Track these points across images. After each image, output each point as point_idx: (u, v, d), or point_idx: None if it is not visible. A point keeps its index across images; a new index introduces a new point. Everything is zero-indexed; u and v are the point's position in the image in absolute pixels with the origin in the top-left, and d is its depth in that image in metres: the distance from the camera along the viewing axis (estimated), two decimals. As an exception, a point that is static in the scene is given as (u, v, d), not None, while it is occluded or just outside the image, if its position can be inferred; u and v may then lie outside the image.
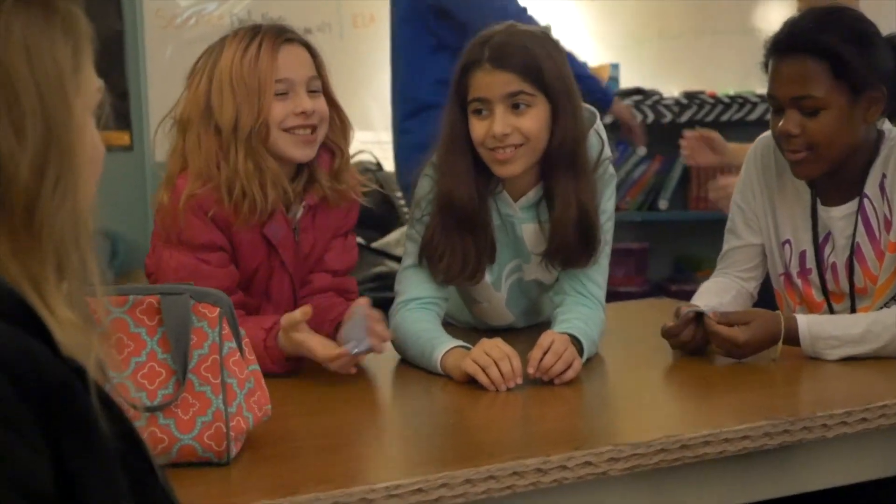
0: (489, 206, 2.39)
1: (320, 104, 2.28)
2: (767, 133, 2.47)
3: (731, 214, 2.57)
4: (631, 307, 2.95)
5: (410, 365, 2.31)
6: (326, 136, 2.32)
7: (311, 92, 2.27)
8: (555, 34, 4.81)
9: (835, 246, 2.40)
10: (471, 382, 2.11)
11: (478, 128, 2.29)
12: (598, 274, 2.43)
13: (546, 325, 2.44)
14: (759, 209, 2.50)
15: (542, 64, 2.30)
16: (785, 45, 2.30)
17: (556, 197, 2.35)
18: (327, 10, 5.13)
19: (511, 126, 2.26)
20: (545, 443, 1.77)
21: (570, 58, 2.71)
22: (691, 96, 4.77)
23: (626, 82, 4.92)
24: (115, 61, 5.08)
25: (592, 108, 2.49)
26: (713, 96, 4.78)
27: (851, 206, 2.37)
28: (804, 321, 2.21)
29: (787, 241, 2.46)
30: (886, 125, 2.38)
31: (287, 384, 2.13)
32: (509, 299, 2.54)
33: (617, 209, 4.67)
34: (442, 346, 2.22)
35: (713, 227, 2.60)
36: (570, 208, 2.33)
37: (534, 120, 2.29)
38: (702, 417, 1.94)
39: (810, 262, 2.43)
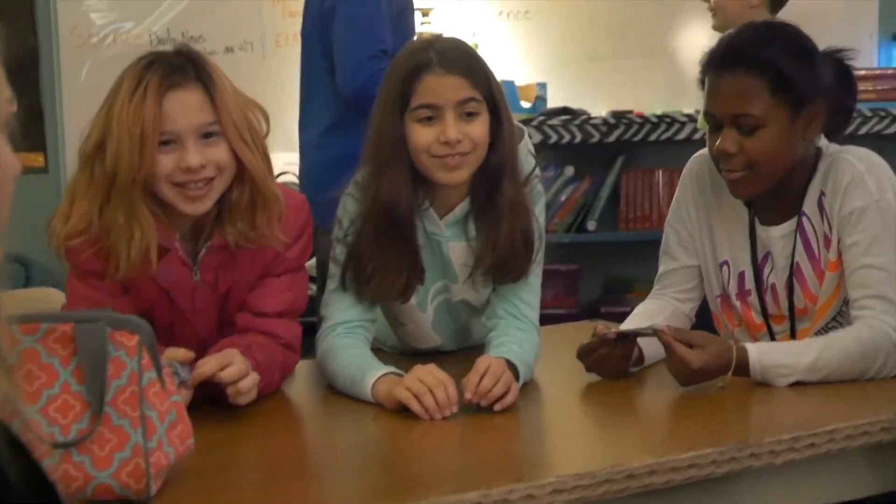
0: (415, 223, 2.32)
1: (216, 153, 2.08)
2: (702, 151, 2.43)
3: (665, 236, 2.50)
4: (563, 330, 2.86)
5: (340, 393, 2.21)
6: (236, 176, 2.13)
7: (205, 137, 2.09)
8: (483, 52, 4.88)
9: (774, 266, 2.35)
10: (404, 411, 2.02)
11: (423, 134, 2.20)
12: (531, 295, 2.36)
13: (476, 348, 2.39)
14: (695, 230, 2.44)
15: (487, 71, 2.27)
16: (723, 60, 2.25)
17: (488, 211, 2.29)
18: (249, 30, 5.05)
19: (462, 132, 2.19)
20: (485, 475, 1.69)
21: None
22: (619, 116, 4.72)
23: (553, 101, 4.86)
24: (29, 80, 4.95)
25: (520, 124, 2.42)
26: (641, 116, 4.74)
27: (790, 224, 2.32)
28: (755, 351, 2.13)
29: (725, 262, 2.41)
30: (823, 141, 2.34)
31: (211, 414, 2.02)
32: (435, 321, 2.46)
33: (546, 230, 4.72)
34: (372, 373, 2.14)
35: (643, 248, 2.55)
36: (504, 222, 2.26)
37: (482, 128, 2.23)
38: (647, 445, 1.86)
39: (749, 283, 2.38)
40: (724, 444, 1.78)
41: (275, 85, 4.79)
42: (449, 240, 2.34)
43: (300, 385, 2.29)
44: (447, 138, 2.19)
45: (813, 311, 2.32)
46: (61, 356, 1.62)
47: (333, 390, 2.24)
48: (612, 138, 4.70)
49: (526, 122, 4.60)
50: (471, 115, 2.22)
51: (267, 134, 2.20)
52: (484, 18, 5.01)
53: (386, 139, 2.24)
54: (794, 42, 2.28)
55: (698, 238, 2.43)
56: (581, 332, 2.63)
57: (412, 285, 2.32)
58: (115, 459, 1.59)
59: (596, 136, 4.70)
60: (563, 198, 4.84)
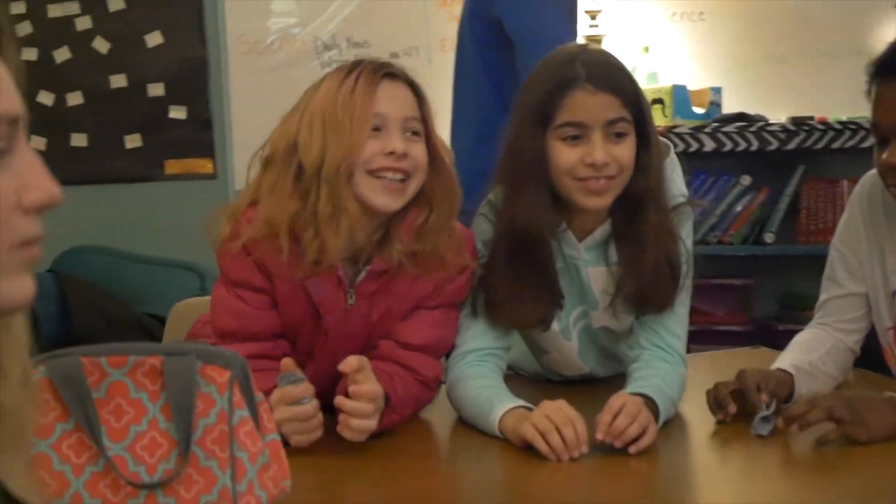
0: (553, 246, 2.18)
1: (416, 150, 2.04)
2: (874, 171, 2.21)
3: (830, 260, 2.31)
4: (723, 357, 2.67)
5: (468, 424, 2.10)
6: (421, 190, 2.08)
7: (409, 134, 2.04)
8: (654, 55, 4.70)
9: None
10: (530, 448, 1.89)
11: (567, 154, 2.07)
12: (677, 324, 2.21)
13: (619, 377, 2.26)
14: (865, 255, 2.23)
15: (637, 89, 2.14)
16: (891, 67, 2.04)
17: (630, 236, 2.15)
18: (415, 35, 5.01)
19: (610, 155, 2.06)
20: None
21: None
22: (799, 122, 4.48)
23: (728, 107, 4.66)
24: (198, 88, 5.00)
25: (667, 141, 2.26)
26: (823, 122, 4.48)
27: None
28: None
29: None
30: None
31: (328, 446, 1.93)
32: (581, 348, 2.33)
33: (719, 243, 4.54)
34: (501, 407, 2.02)
35: (824, 263, 2.32)
36: (648, 248, 2.13)
37: (630, 150, 2.10)
38: (814, 499, 1.68)
39: (926, 314, 2.17)
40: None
41: (441, 90, 4.68)
42: (588, 264, 2.21)
43: (427, 414, 2.18)
44: (594, 160, 2.06)
45: None
46: (150, 391, 1.54)
47: (462, 421, 2.13)
48: (791, 146, 4.47)
49: (699, 128, 4.44)
50: (619, 136, 2.09)
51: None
52: (655, 20, 4.85)
53: (524, 157, 2.12)
54: None
55: (867, 264, 2.23)
56: (740, 360, 2.45)
57: (551, 312, 2.21)
58: (202, 502, 1.50)
59: (774, 144, 4.47)
60: (738, 208, 4.62)
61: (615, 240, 2.18)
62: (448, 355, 2.24)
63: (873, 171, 2.22)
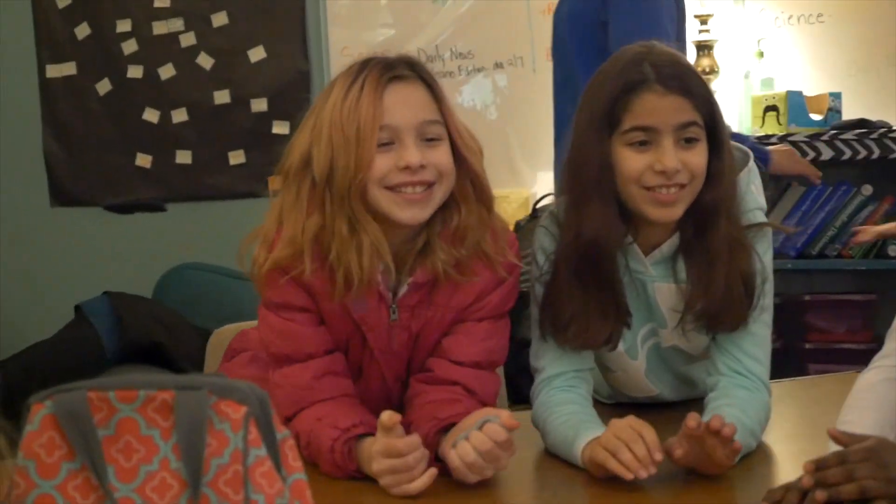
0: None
1: (437, 155, 1.93)
2: None
3: None
4: (821, 384, 2.49)
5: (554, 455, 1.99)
6: (451, 193, 1.97)
7: (426, 140, 1.92)
8: (769, 60, 4.54)
9: None
10: (612, 479, 1.77)
11: (635, 161, 1.95)
12: (757, 347, 2.05)
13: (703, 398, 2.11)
14: None
15: (709, 92, 2.01)
16: None
17: (700, 250, 2.01)
18: (519, 44, 4.94)
19: (681, 161, 1.93)
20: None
21: None
22: (925, 129, 4.27)
23: (848, 113, 4.46)
24: (301, 103, 4.96)
25: (745, 148, 2.12)
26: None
27: None
28: None
29: None
30: None
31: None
32: (649, 369, 2.19)
33: (839, 256, 4.34)
34: (585, 436, 1.90)
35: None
36: (719, 263, 1.99)
37: (701, 157, 1.97)
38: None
39: None
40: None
41: (545, 99, 4.61)
42: (654, 280, 2.07)
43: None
44: (664, 167, 1.92)
45: None
46: (162, 428, 1.44)
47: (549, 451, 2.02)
48: (916, 155, 4.26)
49: (816, 136, 4.27)
50: (690, 142, 1.96)
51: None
52: (770, 23, 4.67)
53: (589, 165, 1.99)
54: None
55: None
56: (844, 385, 2.25)
57: (618, 331, 2.07)
58: (214, 550, 1.40)
59: (901, 151, 4.27)
60: (859, 220, 4.41)
61: (683, 254, 2.05)
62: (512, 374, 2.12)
63: None
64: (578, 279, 2.02)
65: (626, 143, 1.96)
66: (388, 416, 1.81)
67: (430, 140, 1.93)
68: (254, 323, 2.44)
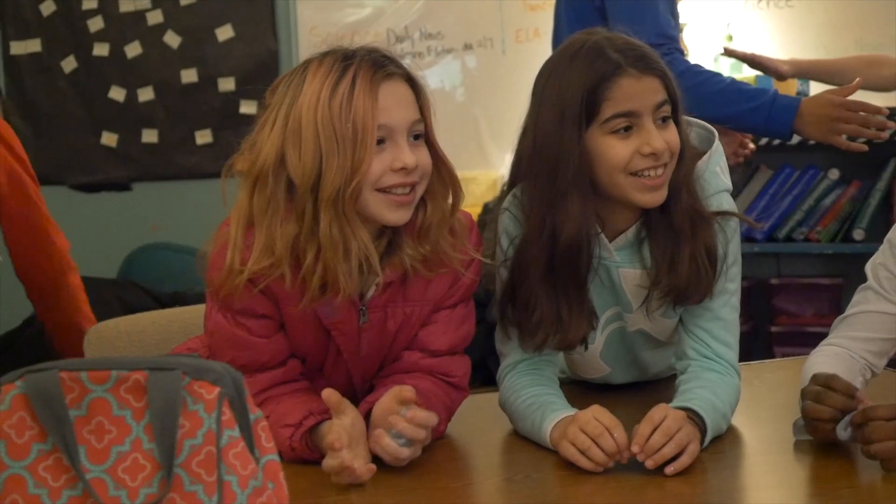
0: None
1: (423, 156, 1.86)
2: None
3: (874, 275, 2.10)
4: (788, 366, 2.50)
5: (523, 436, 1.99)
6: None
7: (413, 139, 1.86)
8: (738, 45, 4.54)
9: None
10: None
11: (621, 148, 1.92)
12: (727, 332, 2.05)
13: (653, 383, 2.19)
14: None
15: (668, 69, 1.99)
16: None
17: (664, 231, 2.00)
18: (489, 26, 4.95)
19: (663, 141, 1.92)
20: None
21: None
22: (893, 112, 4.26)
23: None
24: (269, 83, 4.91)
25: (709, 127, 2.11)
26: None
27: None
28: None
29: None
30: None
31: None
32: (606, 350, 2.18)
33: (806, 240, 4.36)
34: (552, 417, 1.90)
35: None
36: (685, 240, 1.98)
37: (677, 134, 1.96)
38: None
39: None
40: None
41: (515, 81, 4.65)
42: (619, 265, 2.06)
43: (480, 426, 2.08)
44: (654, 148, 1.91)
45: None
46: (134, 409, 1.43)
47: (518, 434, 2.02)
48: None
49: (784, 121, 4.24)
50: (665, 121, 1.95)
51: None
52: (739, 7, 4.70)
53: (567, 162, 1.93)
54: None
55: None
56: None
57: (587, 333, 2.06)
58: (186, 531, 1.39)
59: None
60: (826, 204, 4.44)
61: (648, 234, 2.03)
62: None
63: None
64: (551, 281, 1.99)
65: (608, 132, 1.92)
66: (327, 393, 1.78)
67: (416, 139, 1.88)
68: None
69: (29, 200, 3.08)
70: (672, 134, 1.95)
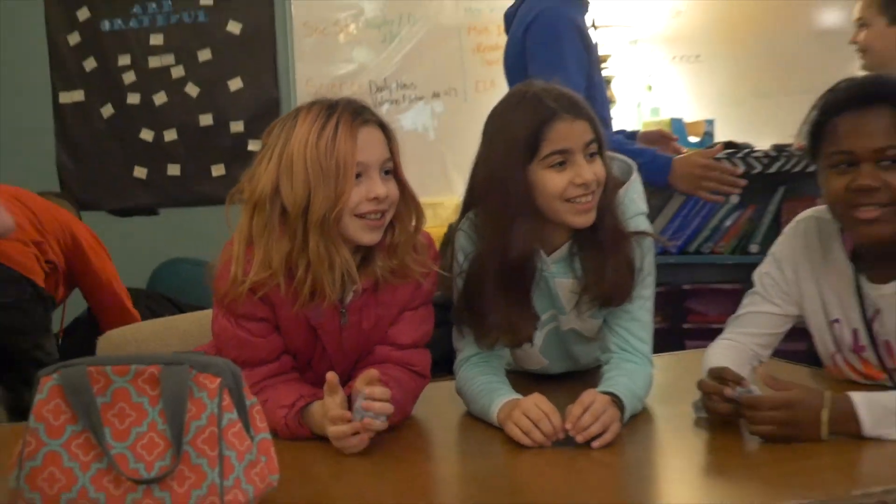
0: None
1: (392, 188, 1.88)
2: (808, 212, 2.10)
3: (760, 282, 2.13)
4: (695, 357, 2.51)
5: (477, 418, 1.99)
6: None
7: (384, 174, 1.88)
8: (656, 93, 4.57)
9: (884, 323, 1.96)
10: None
11: (558, 179, 1.92)
12: (643, 330, 2.06)
13: (582, 372, 2.20)
14: (805, 285, 2.06)
15: (594, 113, 2.00)
16: (863, 98, 1.88)
17: (592, 247, 2.01)
18: (454, 77, 4.94)
19: (592, 173, 1.93)
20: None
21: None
22: (780, 149, 4.29)
23: (720, 137, 4.51)
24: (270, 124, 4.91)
25: (630, 160, 2.12)
26: (801, 149, 4.27)
27: None
28: (859, 396, 1.72)
29: (837, 320, 2.03)
30: None
31: (327, 445, 1.80)
32: (544, 346, 2.19)
33: (712, 253, 4.37)
34: (498, 401, 1.91)
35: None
36: (609, 255, 1.99)
37: (603, 167, 1.97)
38: (729, 492, 1.53)
39: (864, 340, 2.00)
40: (804, 497, 1.45)
41: (475, 124, 4.59)
42: (555, 276, 2.06)
43: (441, 409, 2.07)
44: (584, 180, 1.92)
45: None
46: (150, 396, 1.44)
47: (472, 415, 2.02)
48: (773, 169, 4.28)
49: (694, 155, 4.27)
50: (593, 156, 1.96)
51: None
52: (657, 62, 4.70)
53: (513, 191, 1.94)
54: None
55: (808, 294, 2.06)
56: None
57: (532, 332, 2.07)
58: (193, 497, 1.40)
59: (759, 168, 4.28)
60: (728, 223, 4.44)
61: (579, 250, 2.04)
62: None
63: (806, 214, 2.10)
64: (502, 291, 1.99)
65: (546, 167, 1.93)
66: (331, 375, 1.80)
67: (387, 174, 1.89)
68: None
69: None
70: (599, 167, 1.96)
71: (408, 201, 1.94)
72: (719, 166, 3.03)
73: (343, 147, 1.80)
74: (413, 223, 1.96)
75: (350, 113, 1.84)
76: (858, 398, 1.72)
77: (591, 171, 1.94)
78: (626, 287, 2.02)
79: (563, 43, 2.97)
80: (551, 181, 1.94)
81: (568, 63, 2.96)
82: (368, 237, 1.87)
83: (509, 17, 3.24)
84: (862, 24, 3.10)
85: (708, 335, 2.15)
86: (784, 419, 1.70)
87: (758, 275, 2.14)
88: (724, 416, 1.81)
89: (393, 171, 1.91)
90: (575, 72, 2.96)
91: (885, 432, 1.69)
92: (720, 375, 1.84)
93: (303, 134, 1.82)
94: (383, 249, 1.93)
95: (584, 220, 1.97)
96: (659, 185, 3.03)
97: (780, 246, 2.13)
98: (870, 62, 3.24)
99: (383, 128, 1.90)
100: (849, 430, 1.70)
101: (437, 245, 2.30)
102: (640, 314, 2.05)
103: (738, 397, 1.75)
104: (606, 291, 2.01)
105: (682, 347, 4.14)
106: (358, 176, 1.83)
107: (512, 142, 1.94)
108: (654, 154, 3.06)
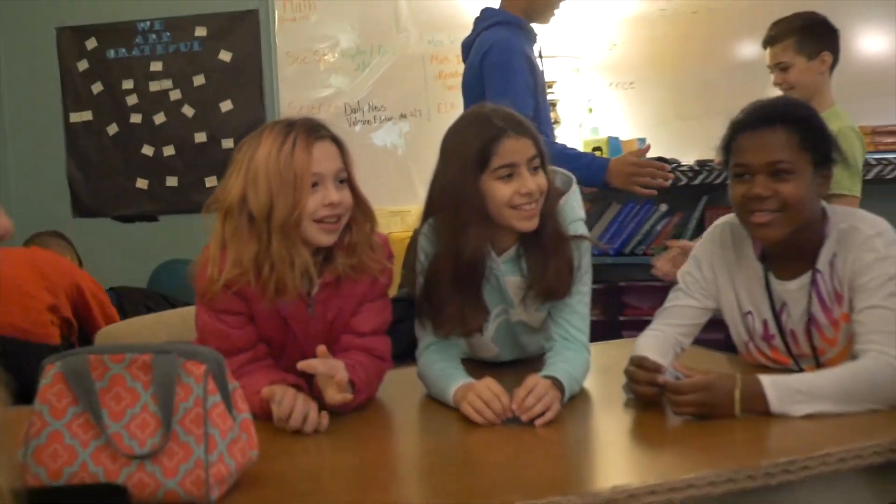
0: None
1: (346, 195, 1.88)
2: (723, 218, 2.10)
3: (683, 280, 2.13)
4: (632, 344, 2.51)
5: (438, 400, 1.97)
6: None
7: (338, 183, 1.88)
8: (596, 114, 4.57)
9: (791, 315, 1.98)
10: None
11: (505, 189, 1.92)
12: (581, 321, 2.05)
13: (529, 359, 2.18)
14: (721, 281, 2.07)
15: (537, 131, 2.00)
16: (760, 118, 1.90)
17: (536, 249, 2.00)
18: (418, 100, 4.90)
19: (535, 183, 1.93)
20: (511, 489, 1.41)
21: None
22: (703, 164, 4.32)
23: (650, 153, 4.46)
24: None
25: (570, 174, 2.12)
26: (721, 163, 4.31)
27: (804, 279, 1.95)
28: (767, 378, 1.73)
29: (749, 312, 2.04)
30: (827, 206, 1.97)
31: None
32: (496, 336, 2.18)
33: (644, 254, 4.38)
34: (454, 384, 1.89)
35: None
36: (551, 257, 1.99)
37: (545, 179, 1.97)
38: (655, 463, 1.53)
39: (773, 330, 2.01)
40: (721, 467, 1.45)
41: (437, 142, 4.60)
42: (505, 274, 2.06)
43: (404, 391, 2.05)
44: (528, 189, 1.92)
45: (832, 351, 1.95)
46: (143, 381, 1.42)
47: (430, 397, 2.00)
48: (697, 182, 4.30)
49: (628, 169, 4.27)
50: (536, 169, 1.96)
51: None
52: (597, 88, 4.70)
53: (468, 199, 1.94)
54: (816, 113, 1.94)
55: (724, 290, 2.07)
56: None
57: (483, 323, 2.06)
58: (181, 470, 1.38)
59: (684, 180, 4.30)
60: (658, 228, 4.46)
61: (525, 251, 2.04)
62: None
63: (722, 220, 2.11)
64: (456, 288, 1.99)
65: (496, 178, 1.93)
66: (322, 349, 1.79)
67: (341, 182, 1.89)
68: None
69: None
70: (541, 179, 1.96)
71: (361, 206, 1.93)
72: (649, 163, 3.04)
73: (300, 160, 1.81)
74: (367, 225, 1.96)
75: (306, 130, 1.85)
76: (766, 380, 1.73)
77: (535, 182, 1.94)
78: (566, 284, 2.01)
79: (514, 70, 2.99)
80: (499, 190, 1.93)
81: (518, 87, 2.98)
82: (326, 239, 1.87)
83: (467, 46, 3.24)
84: (783, 67, 3.11)
85: (642, 327, 2.15)
86: (702, 400, 1.70)
87: (681, 273, 2.14)
88: (647, 398, 1.82)
89: (347, 180, 1.90)
90: (524, 95, 2.97)
91: (790, 409, 1.70)
92: (640, 364, 1.84)
93: (266, 149, 1.82)
94: (343, 249, 1.92)
95: (528, 224, 1.97)
96: (598, 185, 3.04)
97: (699, 248, 2.13)
98: (801, 96, 3.26)
99: (337, 142, 1.90)
100: (759, 408, 1.71)
101: (404, 248, 2.30)
102: (578, 307, 2.05)
103: (664, 383, 1.75)
104: (548, 288, 2.01)
105: (619, 337, 4.18)
106: (315, 185, 1.84)
107: (465, 156, 1.94)
108: (593, 157, 3.09)
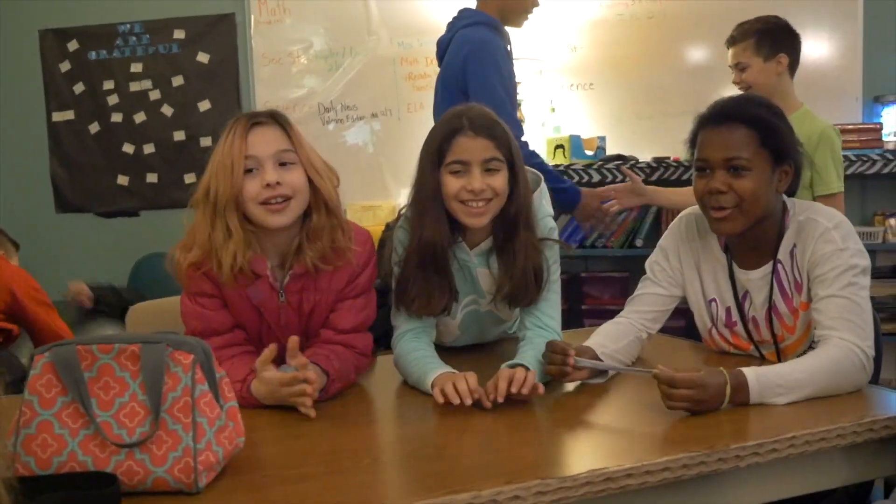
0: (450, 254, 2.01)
1: (291, 176, 1.83)
2: (688, 210, 2.09)
3: (650, 267, 2.12)
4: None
5: (413, 388, 1.93)
6: (308, 205, 1.88)
7: (282, 164, 1.83)
8: (558, 114, 4.55)
9: (753, 303, 1.97)
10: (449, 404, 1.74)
11: (453, 184, 1.92)
12: (553, 308, 2.04)
13: (489, 343, 2.21)
14: (687, 270, 2.06)
15: (509, 137, 1.96)
16: (721, 116, 1.89)
17: (507, 249, 1.98)
18: (388, 100, 4.84)
19: (486, 184, 1.90)
20: (490, 474, 1.37)
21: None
22: (660, 161, 4.32)
23: (610, 150, 4.52)
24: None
25: (537, 172, 2.10)
26: (677, 161, 4.32)
27: (766, 269, 1.94)
28: (752, 372, 1.68)
29: (713, 300, 2.03)
30: (788, 199, 1.96)
31: (285, 412, 1.74)
32: (462, 323, 2.17)
33: (604, 246, 4.38)
34: (431, 373, 1.86)
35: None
36: (519, 259, 1.96)
37: (502, 181, 1.94)
38: (628, 450, 1.49)
39: (735, 317, 2.00)
40: (694, 450, 1.43)
41: (406, 139, 4.60)
42: (476, 266, 2.04)
43: (381, 379, 2.02)
44: (472, 187, 1.91)
45: (792, 338, 1.95)
46: (131, 371, 1.37)
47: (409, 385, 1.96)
48: (655, 178, 4.29)
49: (589, 165, 4.29)
50: (491, 171, 1.92)
51: (338, 184, 1.92)
52: (559, 89, 4.67)
53: (426, 188, 1.95)
54: (777, 110, 1.92)
55: (689, 278, 2.06)
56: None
57: (450, 304, 2.03)
58: (170, 458, 1.33)
59: (643, 176, 4.25)
60: (618, 221, 4.45)
61: (496, 250, 2.02)
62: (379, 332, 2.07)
63: (687, 212, 2.09)
64: (421, 268, 1.98)
65: (449, 172, 1.93)
66: (293, 341, 1.74)
67: (284, 164, 1.84)
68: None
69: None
70: (496, 180, 1.93)
71: (319, 190, 1.88)
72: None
73: (235, 146, 1.81)
74: (330, 210, 1.90)
75: (246, 118, 1.85)
76: (749, 373, 1.67)
77: (485, 182, 1.92)
78: (532, 292, 2.00)
79: (499, 67, 2.98)
80: (449, 184, 1.93)
81: (506, 83, 2.99)
82: (273, 220, 1.84)
83: (443, 44, 3.19)
84: (741, 67, 3.10)
85: (603, 315, 2.14)
86: (696, 397, 1.62)
87: (649, 263, 2.13)
88: (556, 376, 1.84)
89: (299, 163, 1.85)
90: (507, 90, 2.97)
91: (769, 401, 1.67)
92: (550, 349, 1.84)
93: (220, 142, 1.84)
94: (306, 236, 1.89)
95: (475, 222, 1.95)
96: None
97: (666, 239, 2.12)
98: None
99: (284, 126, 1.86)
100: (741, 399, 1.67)
101: (376, 241, 2.26)
102: (551, 296, 2.03)
103: (656, 375, 1.69)
104: (515, 293, 2.00)
105: (581, 325, 4.17)
106: (252, 170, 1.82)
107: (429, 148, 1.96)
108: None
